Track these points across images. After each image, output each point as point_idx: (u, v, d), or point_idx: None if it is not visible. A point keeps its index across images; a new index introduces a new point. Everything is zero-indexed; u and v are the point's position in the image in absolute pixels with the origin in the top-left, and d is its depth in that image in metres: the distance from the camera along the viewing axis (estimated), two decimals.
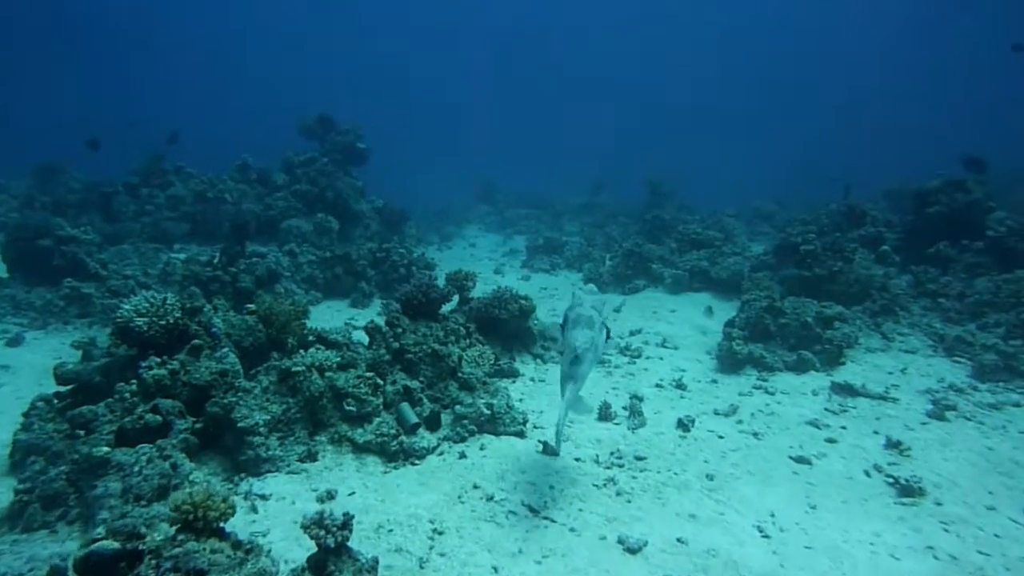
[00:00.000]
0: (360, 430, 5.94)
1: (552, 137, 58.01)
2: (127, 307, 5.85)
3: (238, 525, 4.20)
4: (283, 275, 11.72)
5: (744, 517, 5.06)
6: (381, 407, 6.19)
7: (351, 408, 5.99)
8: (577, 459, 5.97)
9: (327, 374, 6.10)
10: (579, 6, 77.76)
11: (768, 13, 70.20)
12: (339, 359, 6.35)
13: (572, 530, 4.79)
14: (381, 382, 6.37)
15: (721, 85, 69.10)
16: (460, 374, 6.95)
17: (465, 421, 6.33)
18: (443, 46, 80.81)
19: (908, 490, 5.42)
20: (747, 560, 4.48)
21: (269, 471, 5.44)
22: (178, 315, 5.94)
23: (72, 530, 4.59)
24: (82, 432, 5.26)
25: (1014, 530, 4.94)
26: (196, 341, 5.89)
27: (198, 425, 5.40)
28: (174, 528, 3.37)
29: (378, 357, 6.75)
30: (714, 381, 8.26)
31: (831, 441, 6.48)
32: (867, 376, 8.15)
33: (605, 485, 5.48)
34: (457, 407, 6.50)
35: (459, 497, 5.22)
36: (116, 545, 3.23)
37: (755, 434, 6.65)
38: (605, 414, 6.93)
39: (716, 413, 7.21)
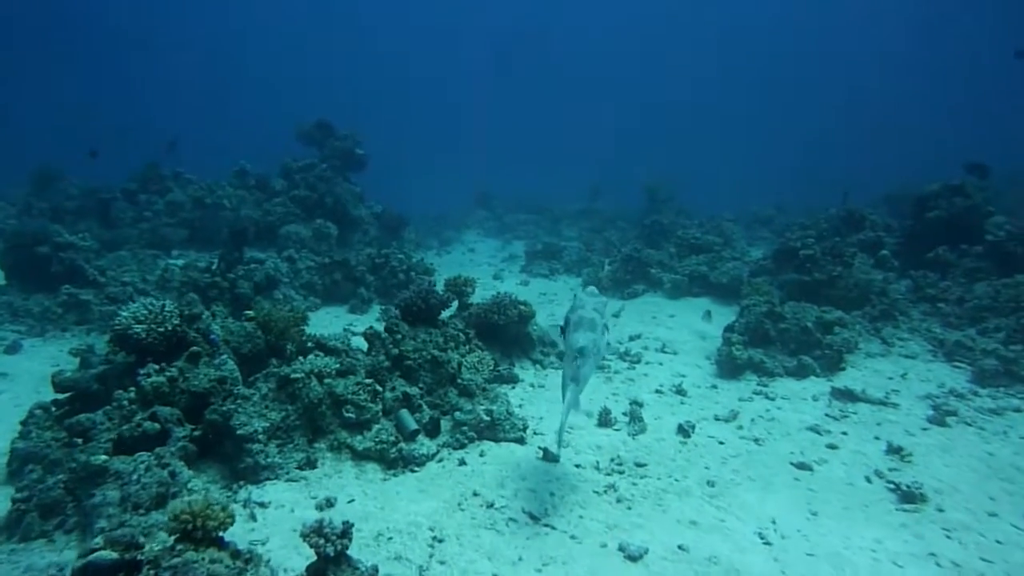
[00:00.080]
0: (359, 437, 5.91)
1: (551, 138, 58.32)
2: (125, 314, 5.84)
3: (237, 533, 4.18)
4: (282, 281, 11.72)
5: (745, 524, 5.04)
6: (380, 414, 6.16)
7: (350, 415, 5.97)
8: (577, 465, 5.94)
9: (326, 381, 6.08)
10: (579, 6, 78.07)
11: (768, 13, 70.56)
12: (338, 366, 6.33)
13: (573, 537, 4.77)
14: (380, 389, 6.34)
15: (721, 85, 69.46)
16: (459, 380, 6.93)
17: (465, 427, 6.31)
18: (443, 46, 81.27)
19: (909, 496, 5.40)
20: (749, 567, 4.46)
21: (268, 478, 5.41)
22: (176, 322, 5.92)
23: (70, 539, 4.56)
24: (80, 440, 5.23)
25: (1016, 536, 4.92)
26: (194, 348, 5.88)
27: (197, 433, 5.38)
28: (173, 538, 3.36)
29: (377, 363, 6.73)
30: (714, 386, 8.25)
31: (832, 447, 6.46)
32: (867, 381, 8.13)
33: (605, 492, 5.46)
34: (457, 413, 6.47)
35: (459, 504, 5.19)
36: (114, 555, 3.22)
37: (756, 440, 6.64)
38: (605, 420, 6.91)
39: (716, 419, 7.19)
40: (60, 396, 5.96)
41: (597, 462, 6.01)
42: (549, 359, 8.89)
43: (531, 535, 4.79)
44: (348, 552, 3.64)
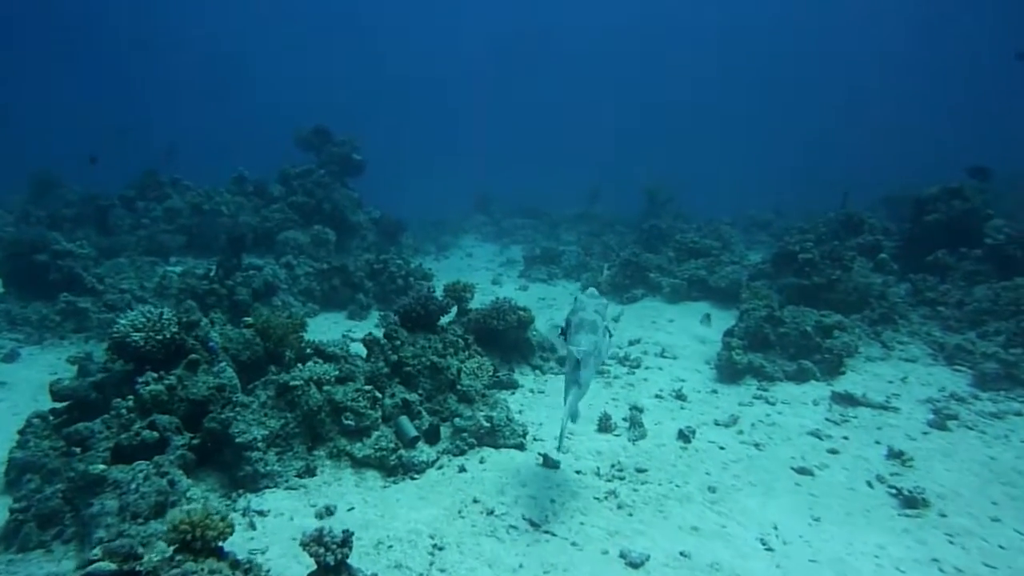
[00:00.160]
0: (359, 444, 5.89)
1: (551, 139, 58.41)
2: (123, 322, 5.81)
3: (236, 543, 4.16)
4: (280, 287, 11.69)
5: (747, 530, 5.02)
6: (380, 421, 6.14)
7: (350, 422, 5.95)
8: (578, 472, 5.92)
9: (325, 388, 6.05)
10: (579, 6, 78.12)
11: (768, 13, 70.69)
12: (337, 372, 6.31)
13: (574, 544, 4.75)
14: (380, 395, 6.32)
15: (721, 85, 69.53)
16: (459, 386, 6.91)
17: (464, 434, 6.29)
18: (443, 47, 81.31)
19: (911, 501, 5.38)
20: (751, 574, 4.44)
21: (267, 487, 5.38)
22: (175, 329, 5.89)
23: (68, 549, 4.52)
24: (78, 449, 5.19)
25: (1019, 541, 4.91)
26: (193, 355, 5.85)
27: (195, 441, 5.35)
28: (172, 548, 3.33)
29: (376, 370, 6.71)
30: (714, 391, 8.24)
31: (833, 451, 6.45)
32: (868, 385, 8.12)
33: (606, 498, 5.44)
34: (456, 420, 6.45)
35: (459, 512, 5.17)
36: (113, 567, 3.20)
37: (756, 445, 6.62)
38: (605, 425, 6.89)
39: (717, 424, 7.17)
40: (58, 405, 5.92)
41: (598, 468, 5.99)
42: (549, 364, 8.88)
43: (532, 542, 4.77)
44: (348, 561, 3.62)
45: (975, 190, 12.18)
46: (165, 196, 15.96)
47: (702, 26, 74.18)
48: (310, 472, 5.64)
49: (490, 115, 68.61)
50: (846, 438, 6.76)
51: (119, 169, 17.13)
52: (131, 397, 5.45)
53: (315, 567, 3.57)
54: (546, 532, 4.90)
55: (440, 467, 5.94)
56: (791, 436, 6.84)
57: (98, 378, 5.96)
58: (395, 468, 5.76)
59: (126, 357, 5.84)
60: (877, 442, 6.63)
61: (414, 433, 6.05)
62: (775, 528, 5.05)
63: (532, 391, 8.14)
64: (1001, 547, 4.83)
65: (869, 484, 5.80)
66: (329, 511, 5.11)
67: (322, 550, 3.51)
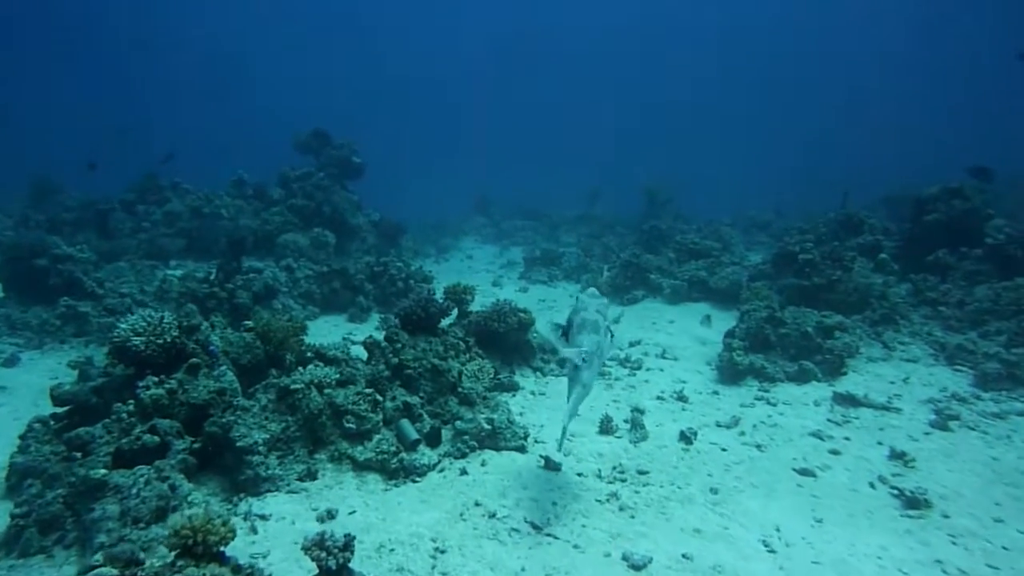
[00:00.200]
0: (360, 447, 5.88)
1: (550, 140, 58.43)
2: (124, 326, 5.81)
3: (238, 547, 4.15)
4: (280, 291, 11.69)
5: (749, 531, 5.01)
6: (381, 424, 6.13)
7: (351, 425, 5.94)
8: (579, 474, 5.91)
9: (326, 391, 6.05)
10: (579, 6, 78.13)
11: (768, 13, 70.70)
12: (338, 376, 6.31)
13: (576, 547, 4.74)
14: (380, 398, 6.31)
15: (721, 85, 69.55)
16: (460, 389, 6.90)
17: (466, 437, 6.28)
18: (443, 47, 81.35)
19: (914, 502, 5.37)
20: None
21: (269, 490, 5.37)
22: (175, 333, 5.89)
23: (69, 554, 4.52)
24: (79, 454, 5.20)
25: (1022, 542, 4.89)
26: (194, 359, 5.85)
27: (196, 445, 5.34)
28: (173, 553, 3.32)
29: (377, 373, 6.70)
30: (715, 392, 8.23)
31: (835, 452, 6.44)
32: (869, 386, 8.11)
33: (608, 500, 5.43)
34: (457, 422, 6.45)
35: (461, 515, 5.16)
36: (114, 572, 3.19)
37: (758, 446, 6.61)
38: (606, 427, 6.88)
39: (718, 425, 7.16)
40: (59, 409, 5.92)
41: (599, 470, 5.98)
42: (549, 366, 8.87)
43: (533, 545, 4.76)
44: (350, 565, 3.61)
45: (975, 190, 12.17)
46: (165, 200, 15.96)
47: (702, 26, 74.30)
48: (311, 476, 5.63)
49: (490, 116, 68.75)
50: (848, 439, 6.75)
51: (119, 172, 17.12)
52: (132, 401, 5.45)
53: (317, 571, 3.56)
54: (548, 535, 4.89)
55: (441, 470, 5.93)
56: (793, 437, 6.83)
57: (99, 382, 5.96)
58: (396, 471, 5.75)
59: (127, 361, 5.84)
60: (879, 443, 6.62)
61: (415, 436, 6.04)
62: (777, 529, 5.04)
63: (533, 393, 8.13)
64: (1004, 548, 4.81)
65: (871, 485, 5.79)
66: (331, 515, 5.10)
67: (324, 554, 3.50)
